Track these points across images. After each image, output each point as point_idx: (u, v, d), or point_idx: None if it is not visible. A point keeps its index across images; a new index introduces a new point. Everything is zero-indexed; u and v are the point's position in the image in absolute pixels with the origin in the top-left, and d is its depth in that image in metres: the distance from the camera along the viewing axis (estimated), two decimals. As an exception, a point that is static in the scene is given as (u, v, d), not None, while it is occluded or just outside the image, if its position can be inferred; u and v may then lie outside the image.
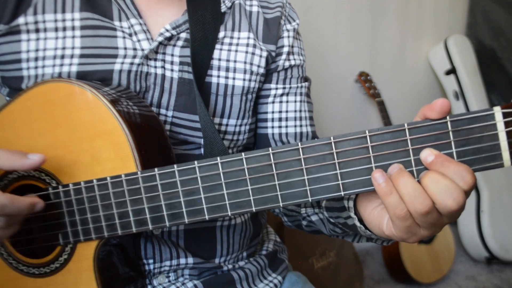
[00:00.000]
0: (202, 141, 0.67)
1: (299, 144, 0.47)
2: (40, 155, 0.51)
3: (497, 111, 0.42)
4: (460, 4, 2.21)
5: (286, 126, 0.74)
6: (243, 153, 0.48)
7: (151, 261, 0.66)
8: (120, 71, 0.62)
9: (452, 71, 2.06)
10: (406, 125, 0.44)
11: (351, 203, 0.54)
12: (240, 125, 0.70)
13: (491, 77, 2.14)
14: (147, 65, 0.63)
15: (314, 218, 0.68)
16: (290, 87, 0.74)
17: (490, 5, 2.11)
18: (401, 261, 1.78)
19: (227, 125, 0.69)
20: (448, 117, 0.43)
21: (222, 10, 0.69)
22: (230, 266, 0.71)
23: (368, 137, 0.45)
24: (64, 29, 0.61)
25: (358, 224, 0.54)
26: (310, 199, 0.47)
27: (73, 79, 0.59)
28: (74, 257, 0.58)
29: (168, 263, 0.66)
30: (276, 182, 0.48)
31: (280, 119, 0.74)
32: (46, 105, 0.57)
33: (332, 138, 0.46)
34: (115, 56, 0.62)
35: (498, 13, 2.09)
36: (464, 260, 2.05)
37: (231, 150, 0.72)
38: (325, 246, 1.62)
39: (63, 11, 0.61)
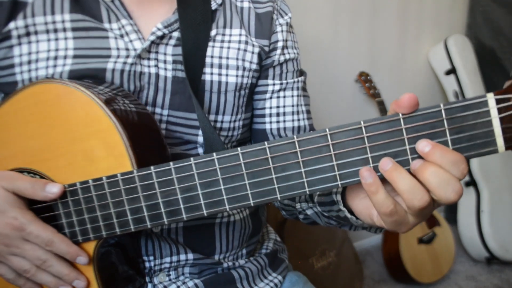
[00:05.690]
0: (199, 139, 0.67)
1: (295, 137, 0.46)
2: (60, 187, 0.53)
3: (490, 98, 0.42)
4: (460, 4, 2.21)
5: (284, 121, 0.74)
6: (239, 148, 0.48)
7: (151, 257, 0.66)
8: (113, 70, 0.62)
9: (452, 71, 2.06)
10: (400, 114, 0.44)
11: (338, 197, 0.55)
12: (234, 121, 0.71)
13: (491, 77, 2.14)
14: (141, 64, 0.63)
15: (309, 212, 0.68)
16: (287, 82, 0.74)
17: (490, 5, 2.11)
18: (401, 261, 1.78)
19: (222, 121, 0.69)
20: (442, 105, 0.43)
21: (213, 8, 0.69)
22: (230, 263, 0.71)
23: (363, 127, 0.45)
24: (55, 30, 0.61)
25: (349, 215, 0.54)
26: (307, 190, 0.47)
27: (64, 79, 0.58)
28: None
29: (168, 259, 0.66)
30: (273, 176, 0.48)
31: (277, 114, 0.74)
32: (38, 106, 0.55)
33: (327, 130, 0.46)
34: (108, 56, 0.62)
35: (498, 13, 2.09)
36: (464, 260, 2.05)
37: (226, 146, 0.72)
38: (325, 246, 1.61)
39: (53, 13, 0.61)
